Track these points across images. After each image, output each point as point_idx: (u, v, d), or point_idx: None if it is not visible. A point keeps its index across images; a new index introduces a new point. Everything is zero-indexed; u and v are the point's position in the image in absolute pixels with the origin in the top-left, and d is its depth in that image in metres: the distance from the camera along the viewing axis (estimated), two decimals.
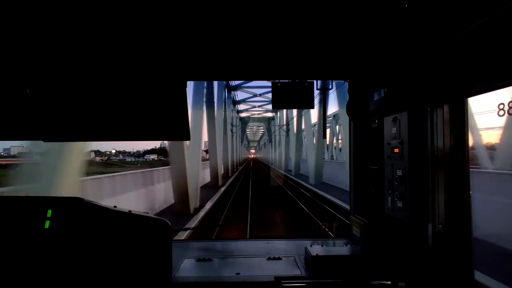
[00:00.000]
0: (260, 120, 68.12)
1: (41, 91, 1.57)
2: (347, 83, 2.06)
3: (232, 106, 45.75)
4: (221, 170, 27.53)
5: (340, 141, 33.60)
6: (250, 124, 70.80)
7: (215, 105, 24.90)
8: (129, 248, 1.66)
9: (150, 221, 1.73)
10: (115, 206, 1.75)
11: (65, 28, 1.35)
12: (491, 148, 12.37)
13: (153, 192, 13.98)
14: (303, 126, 32.42)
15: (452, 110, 1.38)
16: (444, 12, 1.21)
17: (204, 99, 19.96)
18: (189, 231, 6.28)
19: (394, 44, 1.50)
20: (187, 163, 14.09)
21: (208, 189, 20.72)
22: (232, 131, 39.95)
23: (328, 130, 37.19)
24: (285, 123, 42.42)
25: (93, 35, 1.41)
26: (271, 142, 66.30)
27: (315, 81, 1.99)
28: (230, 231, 10.01)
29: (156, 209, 13.87)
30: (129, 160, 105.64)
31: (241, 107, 55.47)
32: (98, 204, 1.71)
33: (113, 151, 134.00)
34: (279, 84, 1.95)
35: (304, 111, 29.60)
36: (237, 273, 1.65)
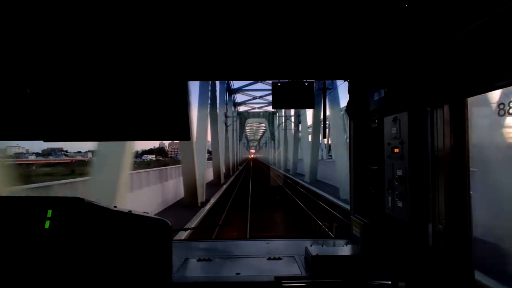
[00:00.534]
0: (260, 116, 63.15)
1: (41, 91, 1.57)
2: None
3: (233, 108, 46.30)
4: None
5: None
6: (250, 120, 65.97)
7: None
8: (130, 248, 1.65)
9: (150, 221, 1.72)
10: (115, 206, 1.74)
11: (65, 28, 1.36)
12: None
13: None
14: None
15: (452, 110, 1.36)
16: (444, 12, 1.21)
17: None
18: (189, 231, 6.33)
19: (394, 44, 1.50)
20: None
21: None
22: (225, 123, 35.43)
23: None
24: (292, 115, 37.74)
25: (93, 35, 1.42)
26: (273, 140, 61.58)
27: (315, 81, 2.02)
28: (230, 230, 10.42)
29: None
30: None
31: (241, 108, 55.56)
32: (98, 204, 1.70)
33: None
34: (279, 84, 1.95)
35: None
36: (237, 273, 1.65)
